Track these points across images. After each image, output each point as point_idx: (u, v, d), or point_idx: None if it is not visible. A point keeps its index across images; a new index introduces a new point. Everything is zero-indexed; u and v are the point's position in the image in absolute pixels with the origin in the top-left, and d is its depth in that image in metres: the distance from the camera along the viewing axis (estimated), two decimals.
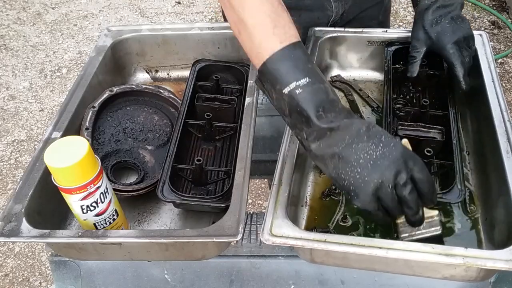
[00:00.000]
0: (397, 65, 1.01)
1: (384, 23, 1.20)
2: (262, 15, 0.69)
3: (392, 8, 1.40)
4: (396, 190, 0.64)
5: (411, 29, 0.97)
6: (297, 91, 0.65)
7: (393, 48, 1.03)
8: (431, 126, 0.87)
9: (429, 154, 0.83)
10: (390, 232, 0.77)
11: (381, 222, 0.68)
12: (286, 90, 0.66)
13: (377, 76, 1.09)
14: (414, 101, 1.00)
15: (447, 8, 0.92)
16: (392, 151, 0.63)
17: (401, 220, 0.69)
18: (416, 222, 0.68)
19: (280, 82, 0.66)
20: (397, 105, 0.95)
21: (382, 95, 1.06)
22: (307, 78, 0.66)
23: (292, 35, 0.68)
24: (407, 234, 0.71)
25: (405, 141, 0.70)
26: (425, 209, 0.68)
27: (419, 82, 1.00)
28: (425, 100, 0.93)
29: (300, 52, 0.68)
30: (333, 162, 0.65)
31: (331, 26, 1.12)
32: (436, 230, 0.72)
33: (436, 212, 0.71)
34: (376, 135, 0.64)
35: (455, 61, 0.89)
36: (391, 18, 1.32)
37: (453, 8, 0.92)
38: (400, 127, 0.88)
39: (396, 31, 1.05)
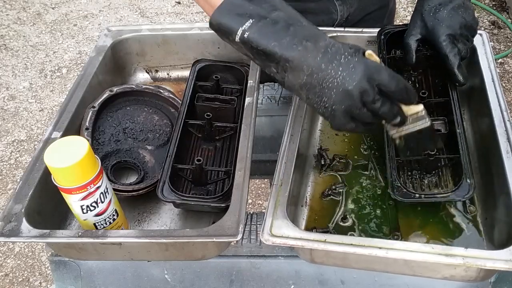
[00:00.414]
0: (393, 54, 0.99)
1: None
2: None
3: None
4: (367, 107, 0.65)
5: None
6: (245, 35, 0.66)
7: (387, 34, 1.00)
8: (433, 118, 0.85)
9: (433, 152, 0.81)
10: (390, 232, 0.78)
11: (368, 132, 0.69)
12: (237, 39, 0.67)
13: None
14: (417, 85, 0.97)
15: None
16: (352, 73, 0.63)
17: (421, 107, 0.71)
18: (399, 123, 0.69)
19: (230, 33, 0.67)
20: None
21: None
22: (250, 19, 0.66)
23: None
24: (395, 131, 0.72)
25: (368, 53, 0.67)
26: (408, 107, 0.69)
27: (418, 66, 0.97)
28: (423, 91, 0.92)
29: None
30: (304, 92, 0.66)
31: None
32: (424, 123, 0.72)
33: (421, 106, 0.71)
34: (335, 59, 0.64)
35: (448, 53, 0.85)
36: None
37: None
38: None
39: None
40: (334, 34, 1.06)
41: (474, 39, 0.92)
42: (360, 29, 1.06)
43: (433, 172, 0.85)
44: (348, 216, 0.83)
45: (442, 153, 0.85)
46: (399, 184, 0.80)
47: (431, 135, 0.75)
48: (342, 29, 1.07)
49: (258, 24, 0.66)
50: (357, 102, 0.64)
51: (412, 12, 0.95)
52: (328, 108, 0.65)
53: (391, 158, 0.84)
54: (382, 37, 1.00)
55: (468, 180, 0.77)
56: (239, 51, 0.70)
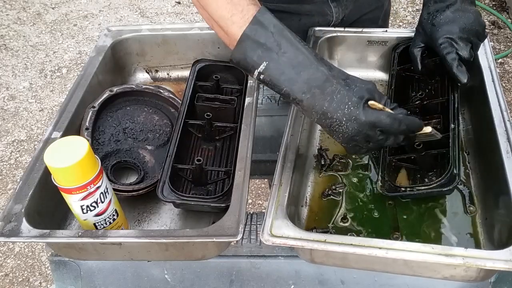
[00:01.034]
0: (401, 67, 1.01)
1: (383, 27, 1.20)
2: (222, 5, 0.72)
3: (392, 8, 1.40)
4: (372, 143, 0.73)
5: (410, 29, 0.98)
6: (261, 77, 0.71)
7: (399, 50, 1.03)
8: (430, 117, 0.88)
9: (419, 147, 0.83)
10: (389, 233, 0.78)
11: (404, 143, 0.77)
12: (255, 77, 0.72)
13: (377, 76, 1.09)
14: (420, 92, 0.97)
15: (443, 2, 0.90)
16: (354, 124, 0.70)
17: (429, 129, 0.77)
18: (408, 146, 0.78)
19: (249, 72, 0.73)
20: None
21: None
22: (264, 62, 0.70)
23: (250, 16, 0.70)
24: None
25: (371, 103, 0.71)
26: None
27: (433, 73, 0.97)
28: (421, 93, 0.93)
29: (256, 32, 0.70)
30: (323, 123, 0.72)
31: None
32: (435, 137, 0.79)
33: (429, 129, 0.76)
34: (339, 108, 0.69)
35: (444, 54, 0.87)
36: (391, 18, 1.32)
37: (450, 2, 0.89)
38: None
39: (396, 31, 1.06)
40: (334, 34, 1.06)
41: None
42: (360, 29, 1.06)
43: (434, 170, 0.85)
44: (348, 216, 0.83)
45: (430, 148, 0.85)
46: (387, 179, 0.83)
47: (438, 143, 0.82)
48: (342, 29, 1.07)
49: (271, 66, 0.70)
50: (363, 143, 0.72)
51: (411, 12, 0.96)
52: (340, 142, 0.73)
53: (384, 156, 0.87)
54: (394, 53, 1.02)
55: (455, 171, 0.78)
56: (259, 82, 0.75)
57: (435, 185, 0.79)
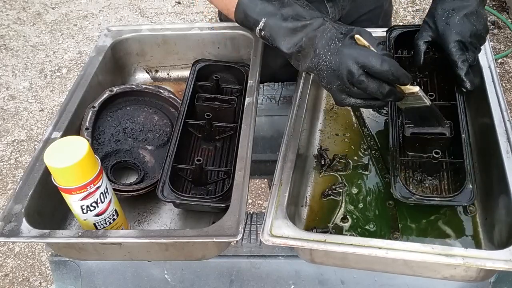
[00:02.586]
0: (399, 53, 0.99)
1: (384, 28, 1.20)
2: None
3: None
4: (355, 86, 0.72)
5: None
6: (262, 33, 0.81)
7: (396, 33, 1.00)
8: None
9: (437, 155, 0.82)
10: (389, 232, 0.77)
11: (373, 108, 0.81)
12: (257, 34, 0.82)
13: None
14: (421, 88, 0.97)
15: (462, 1, 0.88)
16: (337, 56, 0.73)
17: (417, 88, 0.76)
18: (395, 100, 0.77)
19: (252, 29, 0.83)
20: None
21: None
22: (263, 19, 0.80)
23: None
24: (399, 102, 0.79)
25: (356, 37, 0.73)
26: (406, 86, 0.75)
27: (424, 68, 0.97)
28: (431, 93, 0.91)
29: None
30: (314, 74, 0.79)
31: None
32: (422, 103, 0.79)
33: (416, 88, 0.76)
34: (327, 44, 0.75)
35: (457, 59, 0.86)
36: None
37: (469, 3, 0.87)
38: (407, 125, 0.87)
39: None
40: None
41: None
42: None
43: (435, 175, 0.85)
44: (348, 216, 0.83)
45: (445, 156, 0.85)
46: (401, 184, 0.80)
47: (433, 114, 0.82)
48: None
49: (270, 23, 0.80)
50: (346, 82, 0.73)
51: (411, 12, 0.95)
52: (326, 86, 0.76)
53: (394, 157, 0.84)
54: (390, 36, 1.00)
55: (470, 186, 0.77)
56: (264, 41, 0.84)
57: (451, 197, 0.78)
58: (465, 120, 0.86)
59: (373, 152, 0.93)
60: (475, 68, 0.94)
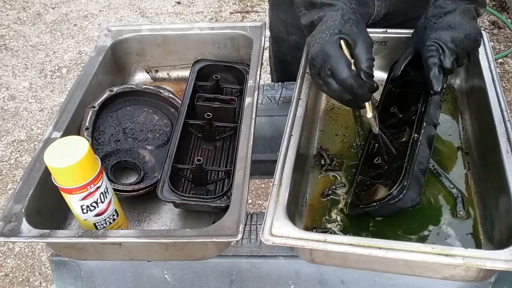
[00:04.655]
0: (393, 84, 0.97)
1: None
2: None
3: None
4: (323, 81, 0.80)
5: (410, 29, 0.96)
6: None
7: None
8: (399, 130, 0.86)
9: (377, 161, 0.83)
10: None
11: (351, 104, 0.83)
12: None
13: (377, 75, 1.08)
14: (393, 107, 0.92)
15: (442, 8, 0.86)
16: (316, 47, 0.81)
17: (369, 115, 0.81)
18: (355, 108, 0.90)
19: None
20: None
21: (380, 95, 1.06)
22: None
23: None
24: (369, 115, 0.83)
25: (342, 43, 0.80)
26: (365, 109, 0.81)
27: (415, 83, 0.92)
28: (392, 107, 0.89)
29: None
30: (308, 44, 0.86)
31: (371, 26, 1.09)
32: (373, 128, 0.84)
33: (370, 114, 0.81)
34: (323, 32, 0.81)
35: (427, 57, 0.82)
36: None
37: (449, 9, 0.85)
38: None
39: (396, 31, 1.05)
40: None
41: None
42: None
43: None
44: (337, 217, 0.83)
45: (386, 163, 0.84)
46: (351, 200, 0.84)
47: (382, 143, 0.84)
48: None
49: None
50: (317, 73, 0.81)
51: None
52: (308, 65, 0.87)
53: (354, 178, 0.87)
54: (391, 72, 0.98)
55: (405, 183, 0.75)
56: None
57: (386, 199, 0.76)
58: (419, 123, 0.82)
59: (362, 152, 0.93)
60: (476, 68, 0.94)
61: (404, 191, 0.75)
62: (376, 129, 0.83)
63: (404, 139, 0.85)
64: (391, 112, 0.90)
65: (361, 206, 0.80)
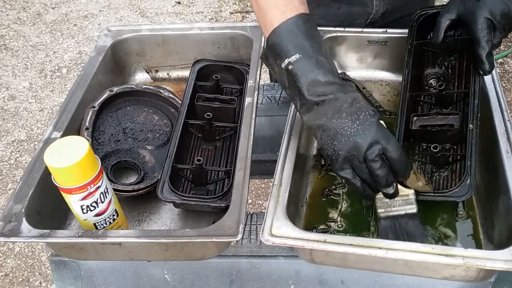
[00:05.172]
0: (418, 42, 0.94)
1: None
2: None
3: None
4: (366, 163, 0.69)
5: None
6: (290, 67, 0.72)
7: (420, 19, 0.93)
8: (448, 112, 0.84)
9: (435, 150, 0.81)
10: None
11: (362, 194, 0.73)
12: (283, 65, 0.73)
13: (377, 75, 1.09)
14: (438, 81, 0.91)
15: None
16: (366, 129, 0.69)
17: (378, 196, 0.74)
18: (389, 195, 0.72)
19: (280, 57, 0.73)
20: (416, 92, 0.89)
21: (381, 94, 1.06)
22: (297, 54, 0.72)
23: (294, 7, 0.72)
24: (383, 210, 0.75)
25: (382, 123, 0.72)
26: (400, 187, 0.73)
27: (446, 50, 0.91)
28: (440, 83, 0.88)
29: (297, 26, 0.72)
30: (319, 133, 0.72)
31: (369, 24, 1.10)
32: (412, 209, 0.75)
33: (411, 191, 0.74)
34: (356, 112, 0.70)
35: (481, 37, 0.79)
36: None
37: None
38: (415, 118, 0.85)
39: (396, 31, 1.05)
40: (335, 34, 1.06)
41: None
42: (360, 29, 1.06)
43: (446, 167, 0.84)
44: (348, 216, 0.83)
45: (447, 149, 0.83)
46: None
47: (415, 224, 0.76)
48: (342, 28, 1.06)
49: (303, 62, 0.72)
50: (360, 155, 0.69)
51: None
52: (335, 151, 0.71)
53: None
54: (415, 23, 0.95)
55: (468, 181, 0.76)
56: (278, 75, 0.76)
57: (449, 193, 0.76)
58: (476, 110, 0.81)
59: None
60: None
61: (471, 192, 0.74)
62: (416, 208, 0.75)
63: (456, 126, 0.82)
64: (417, 80, 0.89)
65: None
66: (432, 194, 0.78)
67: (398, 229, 0.75)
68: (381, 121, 0.71)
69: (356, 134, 0.69)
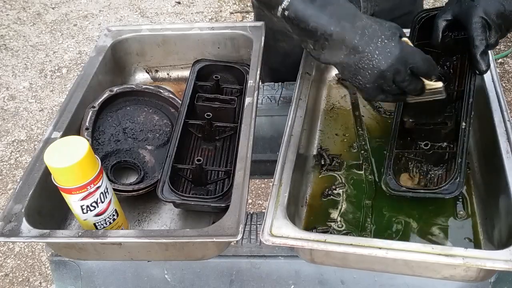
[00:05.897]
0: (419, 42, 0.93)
1: None
2: None
3: None
4: (396, 84, 0.71)
5: (405, 29, 0.96)
6: (286, 13, 0.71)
7: (422, 19, 0.94)
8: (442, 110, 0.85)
9: (426, 147, 0.82)
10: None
11: (395, 101, 0.77)
12: (278, 14, 0.72)
13: None
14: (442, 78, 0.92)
15: None
16: (387, 57, 0.69)
17: (440, 84, 0.76)
18: (419, 95, 0.76)
19: (272, 7, 0.73)
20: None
21: None
22: None
23: None
24: (411, 98, 0.78)
25: (404, 39, 0.72)
26: (430, 82, 0.75)
27: (445, 51, 0.91)
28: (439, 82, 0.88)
29: None
30: (340, 69, 0.72)
31: None
32: (441, 96, 0.78)
33: (440, 84, 0.76)
34: (372, 41, 0.69)
35: (475, 36, 0.79)
36: None
37: None
38: (405, 118, 0.86)
39: None
40: None
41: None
42: None
43: (441, 165, 0.84)
44: (347, 216, 0.83)
45: (444, 148, 0.84)
46: (390, 176, 0.81)
47: (440, 105, 0.81)
48: None
49: (295, 1, 0.71)
50: (389, 81, 0.70)
51: None
52: (361, 84, 0.72)
53: (390, 149, 0.84)
54: (416, 24, 0.95)
55: (457, 179, 0.76)
56: (281, 25, 0.75)
57: (438, 190, 0.77)
58: (469, 109, 0.82)
59: (362, 152, 0.93)
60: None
61: (460, 189, 0.76)
62: (445, 94, 0.78)
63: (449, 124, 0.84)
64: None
65: (404, 189, 0.79)
66: (422, 191, 0.79)
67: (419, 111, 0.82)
68: (404, 38, 0.72)
69: (379, 64, 0.68)
